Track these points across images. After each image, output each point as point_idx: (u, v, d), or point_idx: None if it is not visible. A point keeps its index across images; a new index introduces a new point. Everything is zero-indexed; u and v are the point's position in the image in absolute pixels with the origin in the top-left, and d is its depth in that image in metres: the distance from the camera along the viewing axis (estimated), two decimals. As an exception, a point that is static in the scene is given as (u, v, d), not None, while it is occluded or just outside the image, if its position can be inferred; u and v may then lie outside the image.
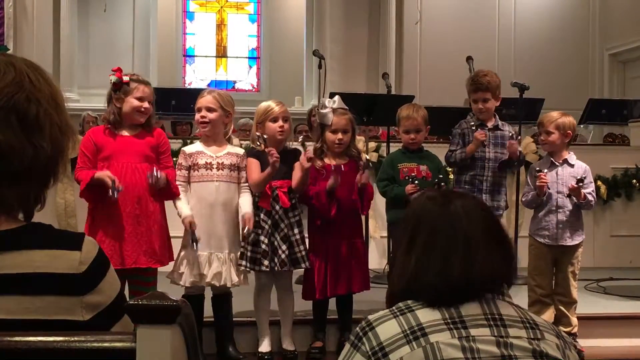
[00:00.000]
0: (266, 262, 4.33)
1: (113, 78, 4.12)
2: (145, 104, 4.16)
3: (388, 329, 1.70)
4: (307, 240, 4.52)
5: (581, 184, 4.64)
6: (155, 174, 4.06)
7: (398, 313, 1.72)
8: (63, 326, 1.38)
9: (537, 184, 4.68)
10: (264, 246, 4.33)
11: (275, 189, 4.37)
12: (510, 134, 5.08)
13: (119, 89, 4.12)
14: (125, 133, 4.15)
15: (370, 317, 1.75)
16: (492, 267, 1.75)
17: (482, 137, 4.94)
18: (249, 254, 4.36)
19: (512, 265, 1.82)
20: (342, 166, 4.56)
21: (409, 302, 1.74)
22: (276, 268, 4.36)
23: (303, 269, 4.53)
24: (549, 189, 4.72)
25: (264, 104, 4.56)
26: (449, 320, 1.69)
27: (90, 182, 3.98)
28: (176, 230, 4.43)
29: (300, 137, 6.17)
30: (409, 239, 1.81)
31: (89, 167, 4.05)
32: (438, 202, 1.83)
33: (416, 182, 4.62)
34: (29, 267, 1.39)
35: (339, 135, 4.53)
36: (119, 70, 4.17)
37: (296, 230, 4.43)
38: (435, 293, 1.72)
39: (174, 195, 4.24)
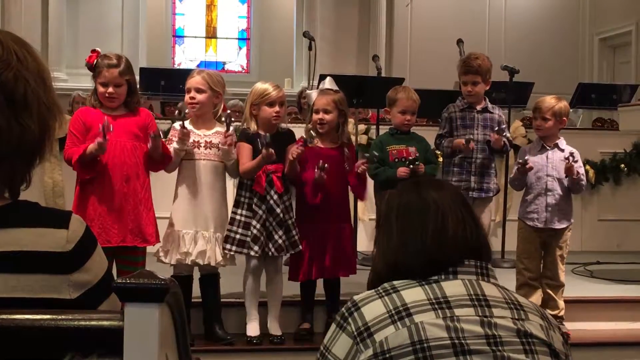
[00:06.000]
0: (256, 248, 4.30)
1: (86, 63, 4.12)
2: (110, 89, 4.03)
3: (373, 309, 1.72)
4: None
5: (571, 158, 4.66)
6: (158, 133, 4.09)
7: (383, 293, 1.75)
8: (50, 304, 1.37)
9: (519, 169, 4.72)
10: (255, 231, 4.31)
11: (269, 173, 4.34)
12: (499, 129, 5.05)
13: (92, 72, 4.09)
14: (114, 113, 4.13)
15: (355, 297, 1.78)
16: (464, 244, 1.80)
17: (472, 148, 4.94)
18: (237, 236, 4.34)
19: (482, 242, 1.85)
20: (331, 151, 4.51)
21: (394, 282, 1.77)
22: (271, 253, 4.34)
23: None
24: (538, 172, 4.74)
25: (261, 86, 4.45)
26: (434, 301, 1.72)
27: (83, 155, 3.93)
28: (162, 210, 4.42)
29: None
30: (387, 224, 1.89)
31: (78, 146, 4.01)
32: (412, 189, 1.92)
33: (415, 162, 4.59)
34: (15, 245, 1.38)
35: (320, 115, 4.49)
36: (95, 53, 4.10)
37: (289, 215, 4.43)
38: (413, 271, 1.77)
39: (168, 157, 4.21)
